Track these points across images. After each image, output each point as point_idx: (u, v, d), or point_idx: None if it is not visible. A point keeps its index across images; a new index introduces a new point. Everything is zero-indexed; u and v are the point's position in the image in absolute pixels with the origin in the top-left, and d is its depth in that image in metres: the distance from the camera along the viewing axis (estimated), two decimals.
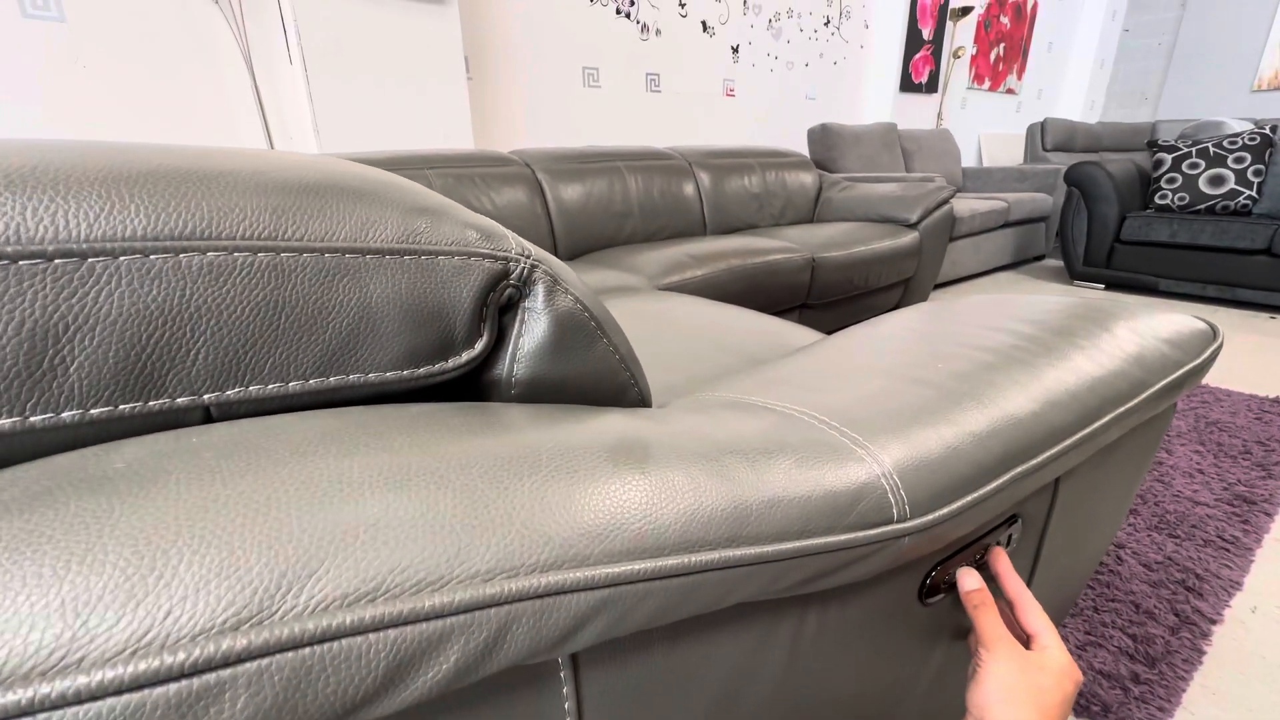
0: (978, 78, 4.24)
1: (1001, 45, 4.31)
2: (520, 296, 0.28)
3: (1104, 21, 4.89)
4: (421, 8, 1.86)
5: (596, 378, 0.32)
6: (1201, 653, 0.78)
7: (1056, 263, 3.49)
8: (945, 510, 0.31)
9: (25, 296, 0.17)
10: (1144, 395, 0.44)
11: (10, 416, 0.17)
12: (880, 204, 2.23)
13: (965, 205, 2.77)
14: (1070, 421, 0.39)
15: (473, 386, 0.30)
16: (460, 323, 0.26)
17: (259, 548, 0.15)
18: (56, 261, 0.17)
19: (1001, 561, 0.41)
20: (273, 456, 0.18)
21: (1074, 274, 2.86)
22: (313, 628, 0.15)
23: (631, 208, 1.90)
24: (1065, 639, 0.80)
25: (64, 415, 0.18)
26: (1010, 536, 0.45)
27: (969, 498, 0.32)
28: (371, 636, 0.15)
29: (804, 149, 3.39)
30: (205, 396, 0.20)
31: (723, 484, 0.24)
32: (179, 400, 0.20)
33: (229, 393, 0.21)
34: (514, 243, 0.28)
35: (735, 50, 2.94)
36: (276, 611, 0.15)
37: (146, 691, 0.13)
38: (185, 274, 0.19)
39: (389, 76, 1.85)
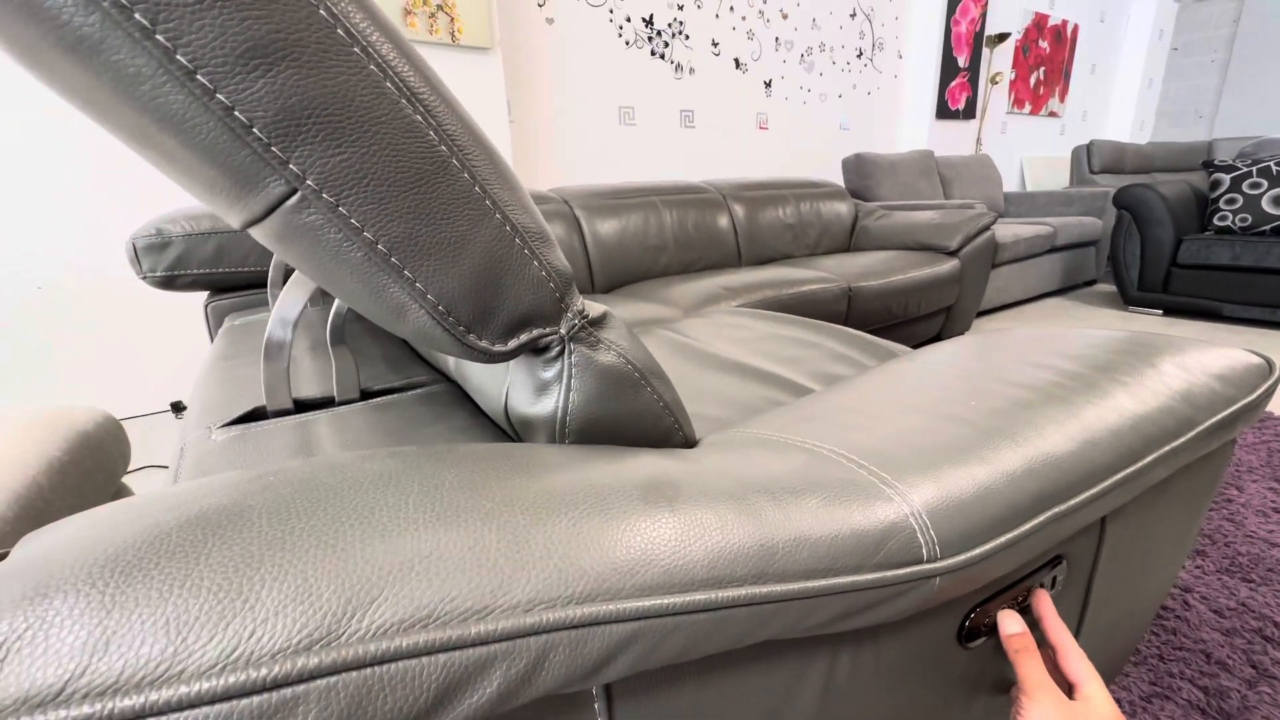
0: (1018, 102, 4.19)
1: (1042, 69, 4.26)
2: (563, 350, 0.30)
3: (1150, 41, 4.78)
4: (467, 57, 1.97)
5: (643, 424, 0.34)
6: None
7: (1109, 288, 3.36)
8: (977, 551, 0.31)
9: None
10: (1192, 434, 0.43)
11: None
12: (918, 231, 2.21)
13: (1008, 230, 2.71)
14: (1111, 461, 0.39)
15: (529, 431, 0.32)
16: (503, 315, 0.28)
17: (328, 576, 0.17)
18: None
19: (1044, 604, 0.40)
20: (339, 493, 0.20)
21: (1128, 299, 2.74)
22: (374, 650, 0.16)
23: (666, 241, 1.93)
24: (1128, 689, 0.75)
25: None
26: (1055, 579, 0.43)
27: (1003, 539, 0.32)
28: (424, 660, 0.17)
29: (839, 179, 3.39)
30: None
31: (750, 522, 0.25)
32: None
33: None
34: (578, 303, 0.31)
35: (768, 85, 2.99)
36: (343, 634, 0.16)
37: (235, 702, 0.15)
38: None
39: None
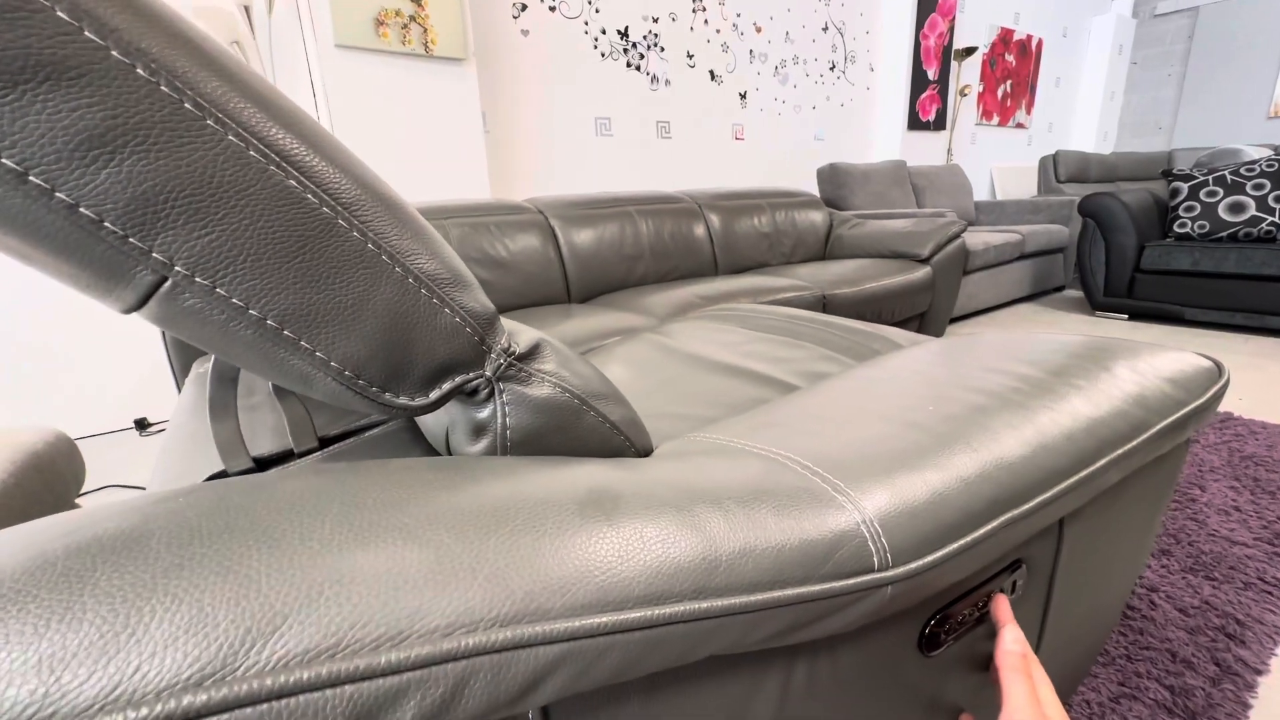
0: (986, 114, 4.30)
1: (1009, 82, 4.38)
2: (494, 391, 0.30)
3: (1111, 55, 4.95)
4: (441, 69, 1.96)
5: (589, 448, 0.34)
6: (1247, 706, 0.73)
7: (1077, 293, 3.45)
8: (930, 558, 0.30)
9: None
10: (1145, 436, 0.44)
11: None
12: (891, 240, 2.24)
13: (979, 238, 2.77)
14: (1065, 464, 0.39)
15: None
16: (418, 369, 0.27)
17: (227, 604, 0.16)
18: None
19: (1003, 609, 0.40)
20: (250, 515, 0.19)
21: (1095, 305, 2.81)
22: (271, 684, 0.15)
23: (643, 250, 1.94)
24: (1097, 690, 0.76)
25: None
26: (1015, 583, 0.43)
27: (955, 545, 0.31)
28: (328, 693, 0.16)
29: (814, 189, 3.44)
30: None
31: (692, 534, 0.24)
32: None
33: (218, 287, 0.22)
34: (502, 341, 0.30)
35: (743, 96, 3.03)
36: (239, 668, 0.15)
37: None
38: None
39: (410, 134, 1.94)
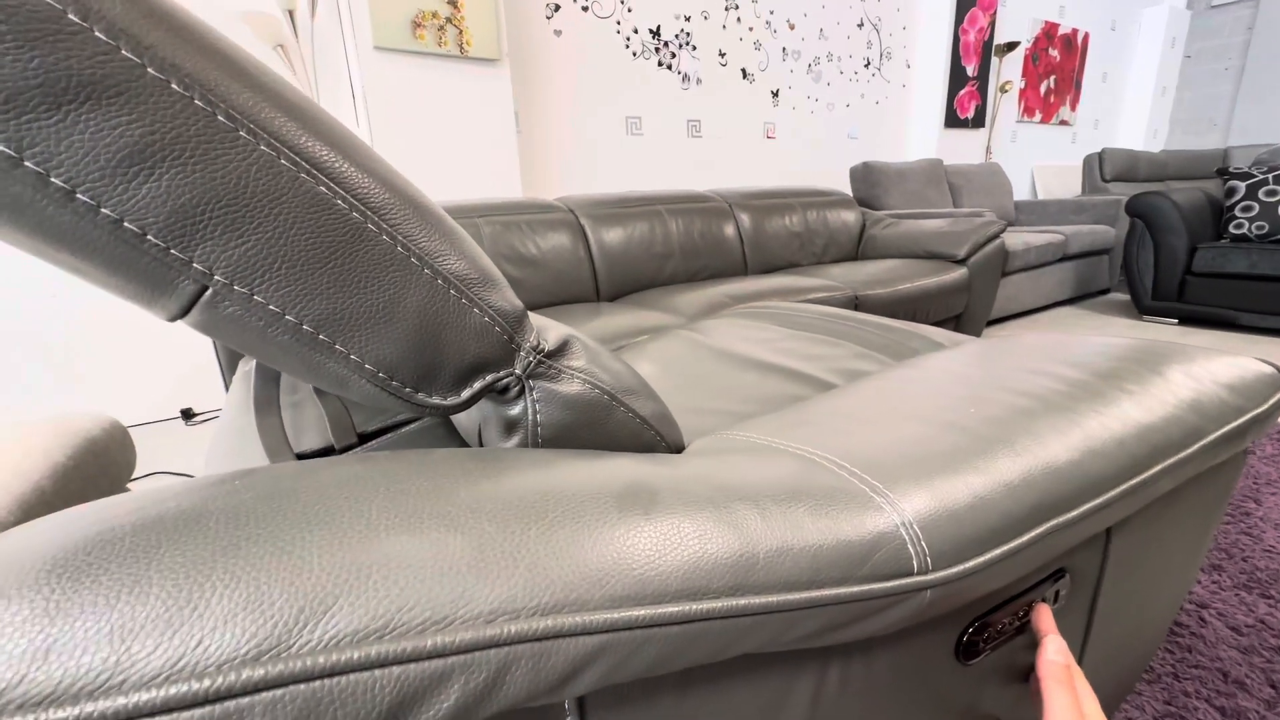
0: (1027, 110, 4.17)
1: (1052, 78, 4.23)
2: (524, 389, 0.30)
3: (1163, 48, 4.74)
4: (476, 69, 1.99)
5: (620, 443, 0.34)
6: None
7: (1123, 296, 3.32)
8: (972, 563, 0.30)
9: None
10: (1200, 444, 0.42)
11: None
12: (926, 240, 2.20)
13: (1019, 239, 2.68)
14: (1115, 471, 0.37)
15: None
16: (449, 368, 0.28)
17: (281, 583, 0.17)
18: None
19: (1045, 619, 0.39)
20: (301, 498, 0.20)
21: (1142, 308, 2.70)
22: (324, 662, 0.16)
23: (672, 249, 1.93)
24: (1141, 708, 0.73)
25: None
26: (1058, 593, 0.42)
27: (998, 550, 0.31)
28: (377, 673, 0.16)
29: (847, 188, 3.39)
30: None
31: (729, 531, 0.24)
32: None
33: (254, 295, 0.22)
34: (531, 339, 0.30)
35: (775, 94, 3.00)
36: (294, 645, 0.16)
37: (176, 715, 0.14)
38: None
39: (444, 133, 1.98)
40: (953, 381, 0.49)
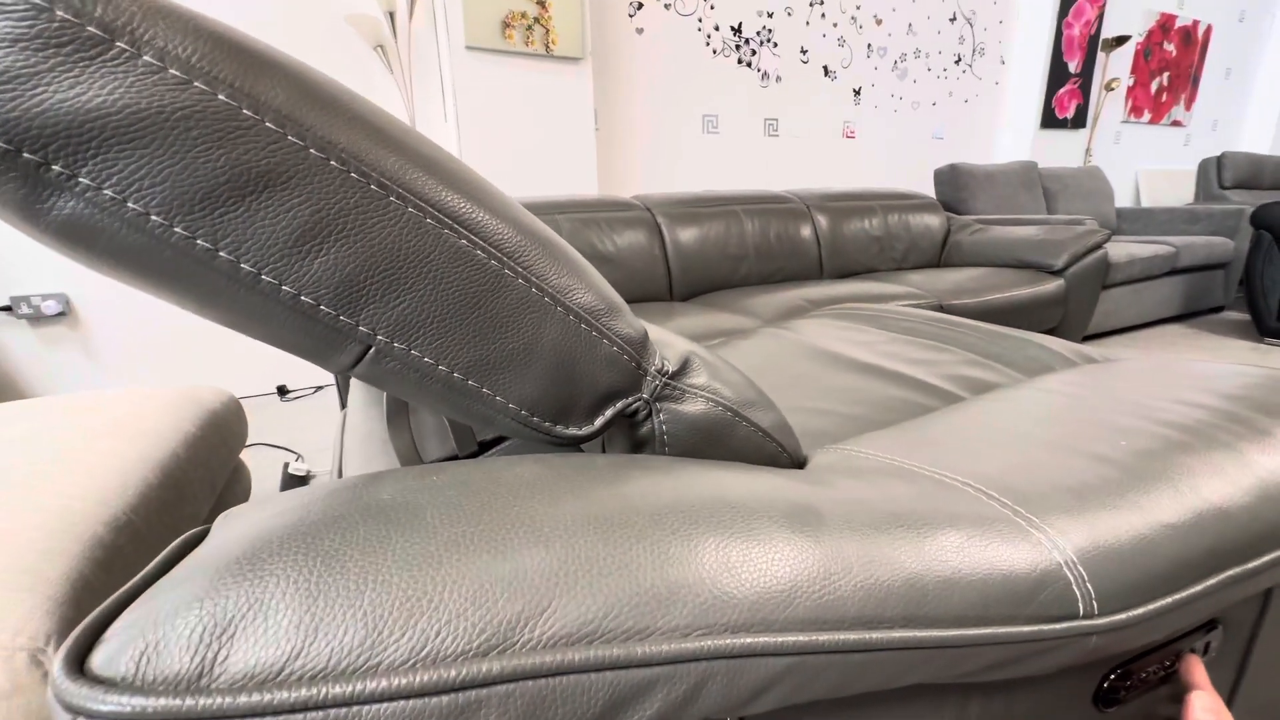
0: (1135, 110, 3.85)
1: (1165, 74, 3.89)
2: (652, 412, 0.30)
3: None
4: (559, 68, 2.03)
5: (743, 453, 0.34)
6: None
7: (1239, 316, 3.02)
8: (1141, 610, 0.28)
9: None
10: None
11: None
12: (1018, 248, 2.07)
13: (1121, 249, 2.49)
14: None
15: None
16: (584, 400, 0.28)
17: (501, 582, 0.18)
18: None
19: (1198, 672, 0.36)
20: (498, 498, 0.21)
21: (1264, 330, 2.45)
22: (548, 661, 0.17)
23: (747, 250, 1.91)
24: None
25: None
26: (1209, 644, 0.39)
27: (1170, 599, 0.29)
28: (593, 676, 0.17)
29: (930, 191, 3.24)
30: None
31: (894, 557, 0.24)
32: None
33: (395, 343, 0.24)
34: (656, 362, 0.30)
35: (857, 93, 2.90)
36: (517, 642, 0.17)
37: (426, 700, 0.15)
38: None
39: (527, 131, 2.03)
40: (1073, 405, 0.46)
